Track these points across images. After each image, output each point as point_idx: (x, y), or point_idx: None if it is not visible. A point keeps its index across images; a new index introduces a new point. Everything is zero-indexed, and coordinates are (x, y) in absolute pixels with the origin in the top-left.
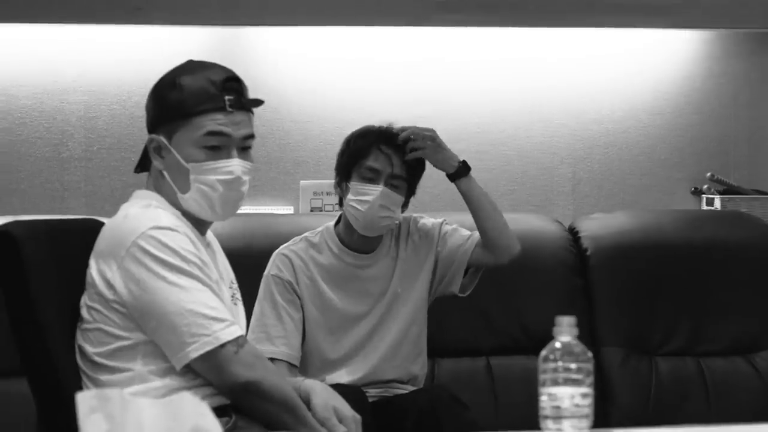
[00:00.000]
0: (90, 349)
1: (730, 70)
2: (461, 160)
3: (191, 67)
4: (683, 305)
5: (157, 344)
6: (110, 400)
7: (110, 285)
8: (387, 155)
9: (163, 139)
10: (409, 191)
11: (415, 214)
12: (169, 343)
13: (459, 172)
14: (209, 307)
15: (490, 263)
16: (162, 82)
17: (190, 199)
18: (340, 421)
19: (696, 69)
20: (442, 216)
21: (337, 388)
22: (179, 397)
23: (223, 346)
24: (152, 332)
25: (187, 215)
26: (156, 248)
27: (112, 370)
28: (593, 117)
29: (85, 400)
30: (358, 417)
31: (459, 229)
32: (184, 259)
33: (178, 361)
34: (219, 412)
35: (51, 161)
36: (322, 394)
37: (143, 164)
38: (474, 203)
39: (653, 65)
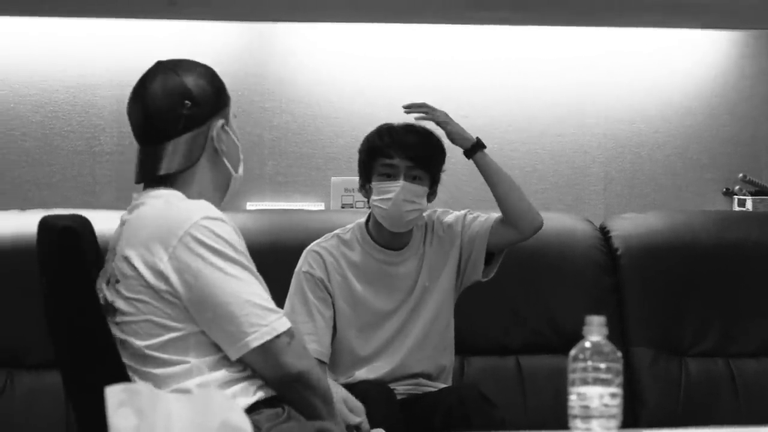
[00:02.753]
0: (138, 342)
1: (762, 71)
2: (476, 137)
3: (194, 61)
4: (714, 306)
5: (211, 335)
6: (139, 394)
7: (162, 275)
8: (402, 149)
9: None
10: (432, 180)
11: (439, 209)
12: (226, 333)
13: (474, 147)
14: (263, 298)
15: (514, 239)
16: (207, 73)
17: (239, 177)
18: (351, 410)
19: (728, 69)
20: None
21: (365, 385)
22: (208, 392)
23: (278, 336)
24: (208, 323)
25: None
26: (210, 238)
27: (166, 362)
28: (625, 117)
29: (114, 394)
30: (362, 406)
31: (479, 215)
32: (235, 249)
33: (236, 351)
34: (272, 402)
35: (83, 155)
36: (331, 387)
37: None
38: (491, 177)
39: (685, 65)
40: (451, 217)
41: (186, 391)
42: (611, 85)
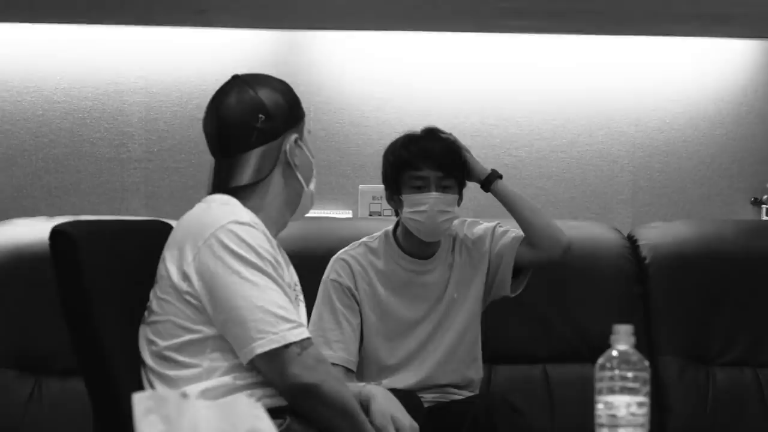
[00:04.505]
0: (161, 342)
1: None
2: (490, 169)
3: (270, 76)
4: (742, 316)
5: (226, 338)
6: (166, 401)
7: (186, 276)
8: (432, 160)
9: (298, 138)
10: (460, 185)
11: (469, 219)
12: (236, 337)
13: (490, 178)
14: (279, 306)
15: (543, 260)
16: (282, 87)
17: (310, 192)
18: (398, 430)
19: (757, 78)
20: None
21: (392, 393)
22: (234, 399)
23: (287, 346)
24: (221, 325)
25: (272, 220)
26: (233, 242)
27: (180, 365)
28: (654, 125)
29: (141, 401)
30: (416, 425)
31: (509, 230)
32: (259, 255)
33: (244, 355)
34: (274, 413)
35: (111, 162)
36: (381, 401)
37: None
38: (511, 204)
39: (715, 74)
40: (480, 228)
41: (186, 396)
42: (640, 94)
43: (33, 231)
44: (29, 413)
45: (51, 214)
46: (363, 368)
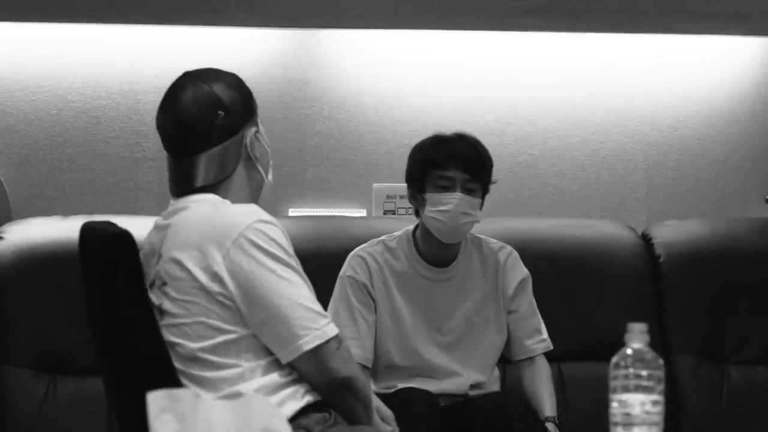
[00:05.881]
0: (189, 344)
1: None
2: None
3: (221, 70)
4: (756, 313)
5: (262, 338)
6: (181, 400)
7: (217, 277)
8: (459, 161)
9: (257, 131)
10: (484, 190)
11: (511, 249)
12: (278, 336)
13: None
14: (312, 302)
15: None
16: (236, 82)
17: (269, 183)
18: (382, 419)
19: None
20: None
21: (410, 391)
22: (249, 398)
23: (328, 341)
24: (259, 325)
25: None
26: (263, 241)
27: (218, 365)
28: (668, 123)
29: (156, 400)
30: (392, 413)
31: (536, 319)
32: (287, 252)
33: (288, 353)
34: (318, 407)
35: (125, 161)
36: None
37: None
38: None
39: (729, 72)
40: (519, 264)
41: (238, 395)
42: (654, 92)
43: (47, 230)
44: (44, 413)
45: (65, 213)
46: (375, 365)
